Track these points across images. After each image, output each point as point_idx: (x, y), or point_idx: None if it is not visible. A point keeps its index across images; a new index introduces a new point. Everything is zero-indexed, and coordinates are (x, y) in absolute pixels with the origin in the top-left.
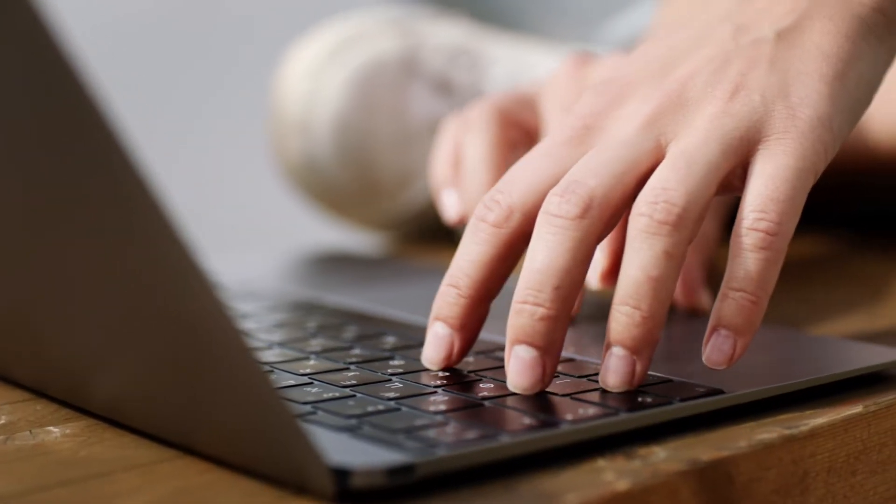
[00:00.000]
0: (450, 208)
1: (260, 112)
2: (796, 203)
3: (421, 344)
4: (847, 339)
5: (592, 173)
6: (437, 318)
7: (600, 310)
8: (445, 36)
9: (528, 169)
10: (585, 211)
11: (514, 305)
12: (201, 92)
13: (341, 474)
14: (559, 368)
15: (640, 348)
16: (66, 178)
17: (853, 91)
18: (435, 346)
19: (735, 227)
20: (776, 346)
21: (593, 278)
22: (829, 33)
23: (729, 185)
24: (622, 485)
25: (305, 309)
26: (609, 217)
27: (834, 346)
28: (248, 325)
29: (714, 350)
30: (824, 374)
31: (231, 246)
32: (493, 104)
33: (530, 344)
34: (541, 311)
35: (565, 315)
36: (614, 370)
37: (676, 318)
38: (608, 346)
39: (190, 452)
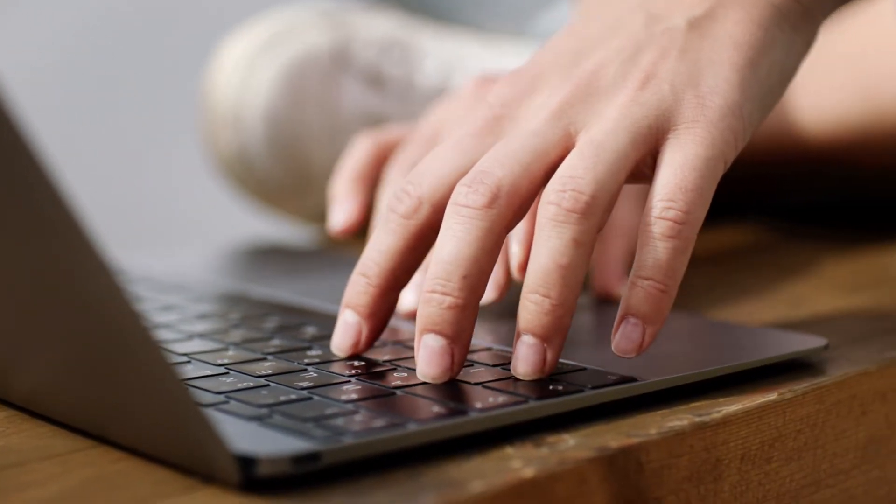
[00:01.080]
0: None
1: (192, 105)
2: (704, 192)
3: None
4: (765, 327)
5: (500, 164)
6: (347, 306)
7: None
8: (377, 28)
9: (438, 160)
10: (492, 201)
11: (423, 295)
12: (133, 85)
13: (247, 462)
14: (473, 357)
15: (550, 336)
16: None
17: (765, 79)
18: (343, 334)
19: (643, 216)
20: (691, 334)
21: (512, 269)
22: (741, 22)
23: (639, 174)
24: (528, 472)
25: (230, 300)
26: (517, 207)
27: (751, 334)
28: (170, 316)
29: (623, 338)
30: (739, 361)
31: (164, 239)
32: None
33: (439, 333)
34: (448, 300)
35: (474, 304)
36: (524, 358)
37: (593, 306)
38: (518, 335)
39: (105, 442)
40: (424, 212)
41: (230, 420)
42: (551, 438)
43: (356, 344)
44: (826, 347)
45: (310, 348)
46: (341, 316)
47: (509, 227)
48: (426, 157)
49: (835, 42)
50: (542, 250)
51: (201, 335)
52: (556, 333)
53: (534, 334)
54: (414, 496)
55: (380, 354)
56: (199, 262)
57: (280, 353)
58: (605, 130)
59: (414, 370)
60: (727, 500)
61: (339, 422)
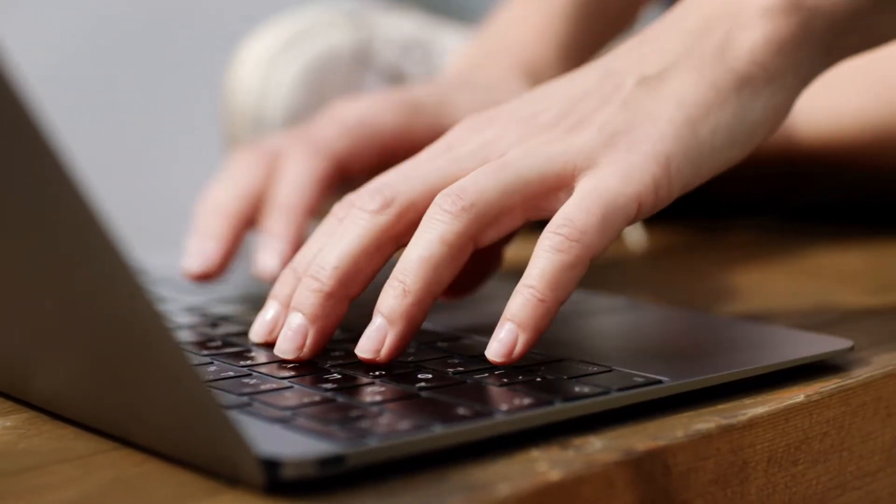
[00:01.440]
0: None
1: (213, 105)
2: (607, 221)
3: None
4: (790, 328)
5: (405, 179)
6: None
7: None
8: (398, 28)
9: (389, 175)
10: (382, 208)
11: (302, 278)
12: (154, 85)
13: (272, 465)
14: None
15: (395, 319)
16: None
17: (706, 138)
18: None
19: (541, 234)
20: (720, 336)
21: None
22: (692, 83)
23: (549, 208)
24: (555, 475)
25: (252, 302)
26: (409, 219)
27: (776, 336)
28: (193, 318)
29: (496, 341)
30: (765, 363)
31: (185, 239)
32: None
33: (301, 311)
34: (316, 284)
35: (340, 295)
36: (367, 336)
37: (623, 310)
38: (373, 318)
39: (127, 444)
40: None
41: (254, 422)
42: (577, 441)
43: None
44: (852, 349)
45: (332, 350)
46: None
47: (396, 236)
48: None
49: None
50: (412, 243)
51: (223, 337)
52: (401, 318)
53: (382, 315)
54: (440, 499)
55: (404, 355)
56: None
57: None
58: (516, 155)
59: (439, 371)
60: (753, 502)
61: (364, 424)
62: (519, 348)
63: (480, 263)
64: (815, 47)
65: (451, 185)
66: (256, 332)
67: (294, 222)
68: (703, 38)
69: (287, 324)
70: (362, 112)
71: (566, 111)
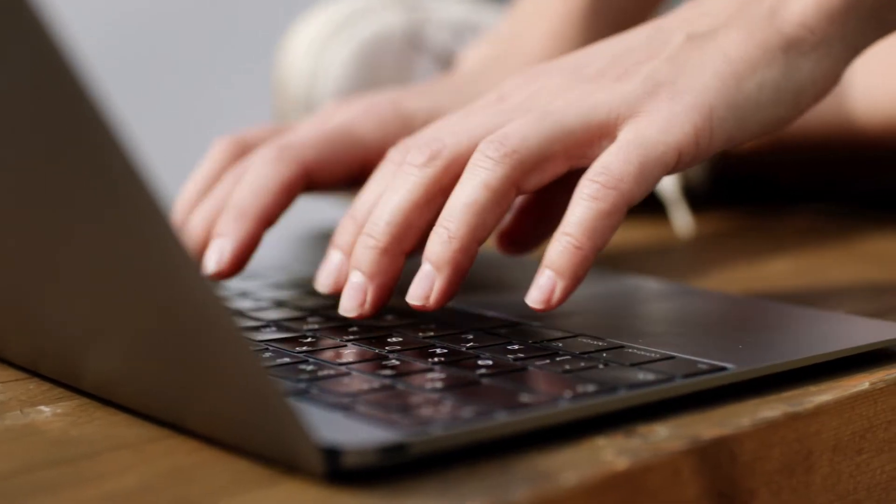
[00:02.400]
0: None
1: (265, 88)
2: (645, 170)
3: (420, 321)
4: (853, 315)
5: (451, 132)
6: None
7: (617, 294)
8: (450, 11)
9: (441, 122)
10: (429, 160)
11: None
12: (205, 68)
13: (332, 453)
14: (561, 345)
15: (442, 265)
16: (59, 162)
17: (751, 92)
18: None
19: (579, 181)
20: (781, 323)
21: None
22: (740, 41)
23: (592, 156)
24: (621, 463)
25: (305, 287)
26: (456, 171)
27: (839, 323)
28: (246, 303)
29: (535, 288)
30: (830, 350)
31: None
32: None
33: (359, 269)
34: (371, 241)
35: (395, 251)
36: (417, 283)
37: (681, 296)
38: (421, 265)
39: (181, 431)
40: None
41: (312, 409)
42: (642, 429)
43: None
44: None
45: (389, 335)
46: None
47: (445, 188)
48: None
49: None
50: (456, 190)
51: (277, 322)
52: (446, 265)
53: (429, 261)
54: (505, 488)
55: (462, 342)
56: (271, 249)
57: (359, 340)
58: (559, 105)
59: (499, 357)
60: (818, 492)
61: (426, 411)
62: (557, 295)
63: (542, 218)
64: (865, 17)
65: (495, 134)
66: (322, 283)
67: (245, 227)
68: (754, 2)
69: (348, 282)
70: (346, 121)
71: (612, 63)
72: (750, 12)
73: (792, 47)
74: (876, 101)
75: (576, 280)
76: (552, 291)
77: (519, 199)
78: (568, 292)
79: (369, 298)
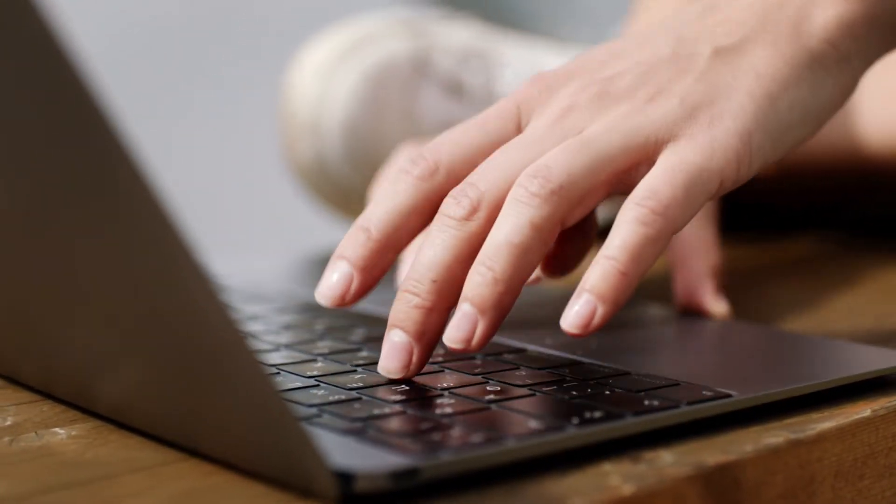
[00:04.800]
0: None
1: (271, 113)
2: (690, 197)
3: None
4: (854, 342)
5: (485, 178)
6: (342, 258)
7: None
8: (457, 37)
9: (457, 132)
10: (471, 213)
11: (398, 293)
12: (213, 93)
13: (345, 478)
14: (565, 372)
15: (487, 308)
16: (72, 182)
17: (784, 113)
18: (338, 284)
19: (623, 205)
20: (783, 350)
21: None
22: (768, 57)
23: (630, 181)
24: (627, 489)
25: (314, 311)
26: (496, 217)
27: (841, 350)
28: (256, 326)
29: (572, 312)
30: (832, 377)
31: (242, 247)
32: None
33: (403, 329)
34: (416, 300)
35: (442, 308)
36: (456, 326)
37: (684, 322)
38: (458, 304)
39: (195, 455)
40: (440, 177)
41: (324, 434)
42: (648, 455)
43: (343, 295)
44: None
45: None
46: (334, 268)
47: (485, 236)
48: (447, 130)
49: None
50: (500, 227)
51: (288, 346)
52: (492, 308)
53: (472, 304)
54: None
55: (470, 367)
56: (278, 272)
57: (369, 364)
58: (598, 130)
59: (507, 383)
60: None
61: (436, 436)
62: (597, 320)
63: (575, 241)
64: (883, 30)
65: (535, 166)
66: (325, 295)
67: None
68: (776, 12)
69: (388, 341)
70: None
71: (642, 79)
72: (773, 25)
73: (817, 64)
74: (885, 125)
75: (616, 306)
76: (591, 316)
77: None
78: (606, 319)
79: (415, 359)
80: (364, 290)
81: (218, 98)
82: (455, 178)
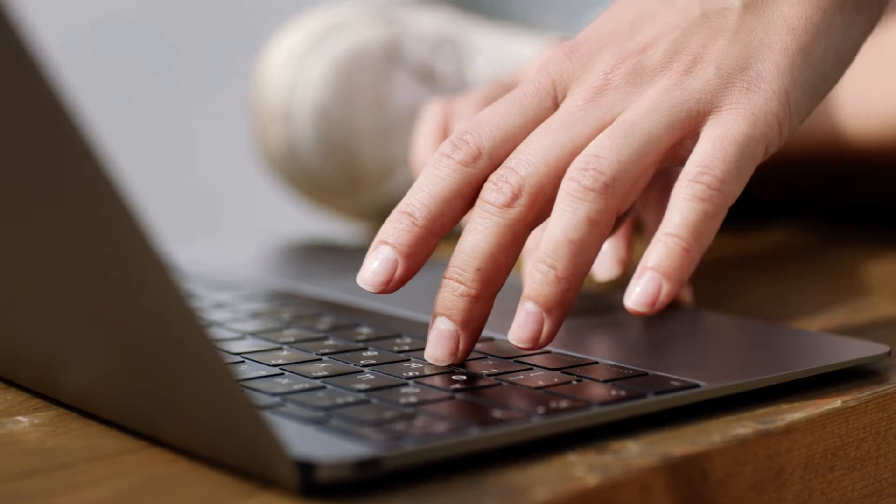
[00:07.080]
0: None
1: (242, 100)
2: (742, 167)
3: (395, 335)
4: (826, 333)
5: (525, 162)
6: (385, 243)
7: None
8: (428, 24)
9: (494, 113)
10: (512, 200)
11: (442, 281)
12: (183, 80)
13: (306, 467)
14: (534, 361)
15: (552, 307)
16: (32, 171)
17: (818, 66)
18: (383, 270)
19: (677, 182)
20: (754, 340)
21: (600, 270)
22: (798, 4)
23: (676, 157)
24: (592, 480)
25: (282, 299)
26: (540, 205)
27: (812, 341)
28: (222, 314)
29: (638, 290)
30: (802, 368)
31: (212, 234)
32: (482, 95)
33: (449, 317)
34: (462, 288)
35: (486, 296)
36: (522, 325)
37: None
38: (521, 302)
39: (157, 443)
40: (482, 163)
41: (287, 423)
42: (614, 445)
43: (388, 281)
44: (888, 354)
45: (365, 349)
46: (377, 253)
47: (531, 223)
48: (485, 109)
49: (884, 42)
50: (557, 224)
51: (254, 334)
52: (557, 306)
53: (536, 303)
54: (477, 503)
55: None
56: (247, 259)
57: (335, 353)
58: (640, 112)
59: (473, 373)
60: None
61: (399, 426)
62: (662, 298)
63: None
64: None
65: (584, 156)
66: (369, 281)
67: None
68: None
69: (435, 329)
70: None
71: (675, 46)
72: None
73: (846, 1)
74: (863, 112)
75: (681, 284)
76: (657, 294)
77: None
78: (672, 296)
79: (462, 346)
80: (408, 276)
81: (189, 85)
82: (497, 161)
